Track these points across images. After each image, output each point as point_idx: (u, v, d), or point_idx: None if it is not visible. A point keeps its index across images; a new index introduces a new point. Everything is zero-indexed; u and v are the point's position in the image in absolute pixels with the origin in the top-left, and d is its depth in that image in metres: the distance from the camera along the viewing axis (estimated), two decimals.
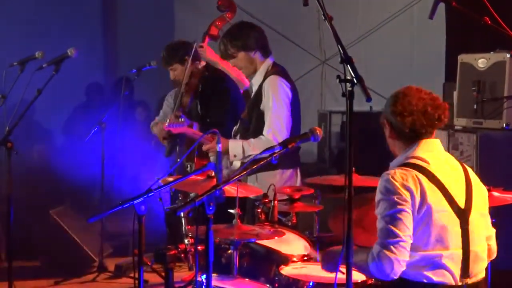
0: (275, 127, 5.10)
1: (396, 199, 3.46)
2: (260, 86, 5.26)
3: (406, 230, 3.43)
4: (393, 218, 3.45)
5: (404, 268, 3.46)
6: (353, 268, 3.16)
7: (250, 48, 5.31)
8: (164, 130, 6.06)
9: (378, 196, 3.54)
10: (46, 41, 7.34)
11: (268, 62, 5.36)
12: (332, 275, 3.52)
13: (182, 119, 5.43)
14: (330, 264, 3.74)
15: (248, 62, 5.34)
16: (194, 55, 6.09)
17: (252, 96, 5.41)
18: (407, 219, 3.45)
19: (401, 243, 3.42)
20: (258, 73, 5.35)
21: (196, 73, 6.18)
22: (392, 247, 3.41)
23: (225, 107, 6.01)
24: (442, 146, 3.73)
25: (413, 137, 3.64)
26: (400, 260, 3.42)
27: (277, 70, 5.31)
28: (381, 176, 3.56)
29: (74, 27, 9.62)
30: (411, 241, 3.46)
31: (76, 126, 8.61)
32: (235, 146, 5.17)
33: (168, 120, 5.65)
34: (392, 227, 3.43)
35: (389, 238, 3.43)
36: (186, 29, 9.01)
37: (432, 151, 3.63)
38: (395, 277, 3.48)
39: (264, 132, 5.14)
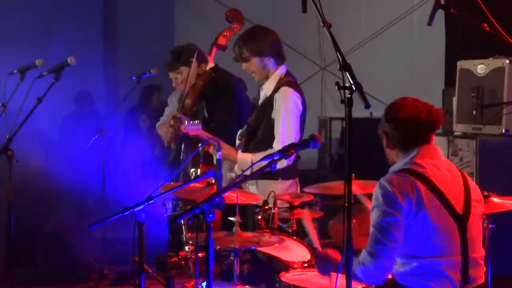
0: (286, 140, 5.07)
1: (389, 207, 3.47)
2: (272, 95, 5.24)
3: (393, 240, 3.47)
4: (383, 227, 3.48)
5: (389, 273, 3.52)
6: (340, 274, 3.21)
7: (264, 53, 5.26)
8: (169, 133, 6.06)
9: (373, 202, 3.56)
10: (47, 49, 7.37)
11: (281, 70, 5.32)
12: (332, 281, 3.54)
13: (197, 122, 5.38)
14: (324, 267, 3.76)
15: (261, 68, 5.30)
16: (200, 57, 6.09)
17: (261, 102, 5.41)
18: (397, 230, 3.47)
19: (388, 252, 3.46)
20: (270, 80, 5.31)
21: (202, 75, 6.15)
22: (378, 253, 3.46)
23: (230, 111, 5.97)
24: (441, 152, 3.74)
25: (409, 143, 3.65)
26: (385, 266, 3.47)
27: (290, 81, 5.27)
28: (379, 182, 3.57)
29: (74, 35, 9.63)
30: (398, 250, 3.50)
31: (77, 133, 8.61)
32: (244, 161, 5.15)
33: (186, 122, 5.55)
34: (380, 236, 3.47)
35: (377, 245, 3.47)
36: (186, 36, 9.01)
37: (431, 157, 3.64)
38: (379, 283, 3.54)
39: (274, 145, 5.13)
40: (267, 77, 5.33)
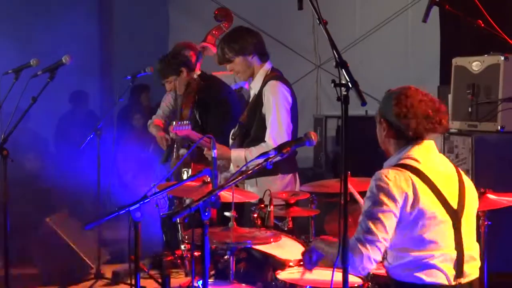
0: (277, 133, 5.08)
1: (383, 198, 3.45)
2: (260, 91, 5.25)
3: (384, 231, 3.44)
4: (374, 216, 3.45)
5: (373, 267, 3.47)
6: (324, 260, 3.18)
7: (247, 52, 5.28)
8: (162, 136, 6.07)
9: (367, 193, 3.54)
10: (41, 48, 7.35)
11: (267, 67, 5.34)
12: (328, 279, 3.53)
13: (186, 122, 5.38)
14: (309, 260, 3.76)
15: (245, 67, 5.32)
16: (189, 65, 6.11)
17: (251, 100, 5.41)
18: (389, 222, 3.45)
19: (376, 243, 3.43)
20: (257, 78, 5.33)
21: (193, 83, 6.16)
22: (366, 243, 3.43)
23: (223, 115, 5.98)
24: (436, 147, 3.73)
25: (412, 139, 3.63)
26: (371, 258, 3.43)
27: (277, 75, 5.29)
28: (374, 175, 3.56)
29: (69, 34, 9.63)
30: (386, 244, 3.47)
31: (72, 133, 8.61)
32: (238, 157, 5.16)
33: (173, 123, 5.57)
34: (371, 224, 3.44)
35: (366, 235, 3.44)
36: (180, 35, 9.02)
37: (426, 152, 3.63)
38: (363, 273, 3.51)
39: (266, 139, 5.13)
40: (252, 76, 5.35)
